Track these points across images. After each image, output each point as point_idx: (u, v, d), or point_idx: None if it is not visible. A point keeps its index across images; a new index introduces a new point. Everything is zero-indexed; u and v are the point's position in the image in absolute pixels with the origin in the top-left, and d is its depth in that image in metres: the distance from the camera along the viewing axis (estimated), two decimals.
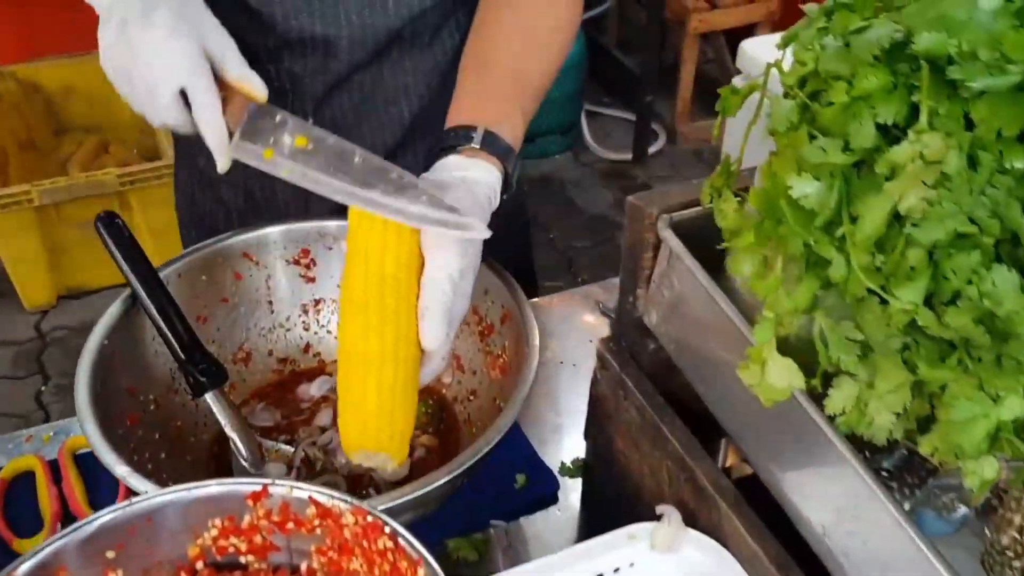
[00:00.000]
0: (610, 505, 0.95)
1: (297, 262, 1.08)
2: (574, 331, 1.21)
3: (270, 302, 1.08)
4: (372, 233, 0.81)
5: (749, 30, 3.46)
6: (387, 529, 0.60)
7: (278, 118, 0.86)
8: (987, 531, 0.72)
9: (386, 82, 1.12)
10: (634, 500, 0.89)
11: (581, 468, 1.03)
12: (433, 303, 0.79)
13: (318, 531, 0.63)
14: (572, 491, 1.02)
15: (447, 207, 0.81)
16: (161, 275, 0.96)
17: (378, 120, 1.14)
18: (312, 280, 1.09)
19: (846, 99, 0.54)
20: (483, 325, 1.03)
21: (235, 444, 0.94)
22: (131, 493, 0.71)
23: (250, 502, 0.63)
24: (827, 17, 0.61)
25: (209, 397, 0.92)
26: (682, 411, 0.84)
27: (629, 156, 3.62)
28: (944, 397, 0.55)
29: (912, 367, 0.56)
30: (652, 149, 3.64)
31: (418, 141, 1.17)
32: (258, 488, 0.62)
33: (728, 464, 0.89)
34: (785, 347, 0.62)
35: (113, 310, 0.95)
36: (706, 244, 0.76)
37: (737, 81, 2.05)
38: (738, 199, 0.73)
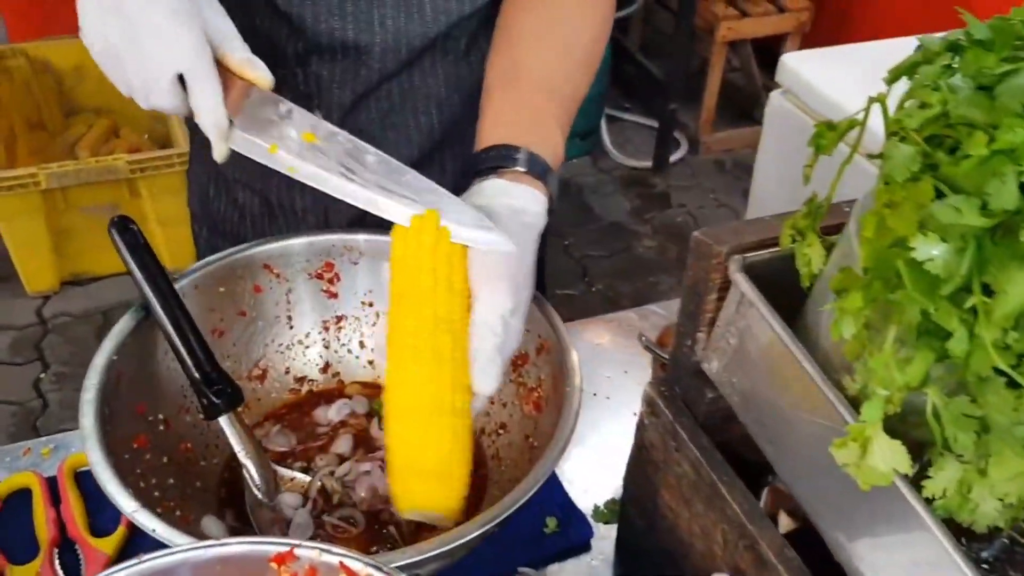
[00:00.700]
0: (650, 558, 0.88)
1: (320, 276, 1.01)
2: (608, 361, 1.14)
3: (289, 317, 1.02)
4: (421, 265, 0.74)
5: (778, 40, 3.39)
6: None
7: (282, 108, 0.80)
8: None
9: (416, 91, 1.05)
10: (679, 559, 0.82)
11: (616, 512, 0.96)
12: (486, 346, 0.74)
13: None
14: (605, 538, 0.95)
15: (475, 216, 0.74)
16: (177, 286, 0.89)
17: (405, 131, 1.07)
18: (335, 296, 1.02)
19: (985, 152, 0.47)
20: (517, 354, 0.96)
21: (248, 472, 0.87)
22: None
23: (274, 564, 0.56)
24: (953, 53, 0.53)
25: (223, 420, 0.86)
26: (732, 462, 0.77)
27: (649, 163, 3.55)
28: None
29: None
30: (673, 157, 3.57)
31: (445, 153, 1.11)
32: (284, 550, 0.55)
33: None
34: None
35: (124, 323, 0.88)
36: (780, 288, 0.69)
37: (775, 96, 1.98)
38: (821, 239, 0.67)
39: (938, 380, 0.53)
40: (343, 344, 1.04)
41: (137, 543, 0.88)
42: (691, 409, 0.80)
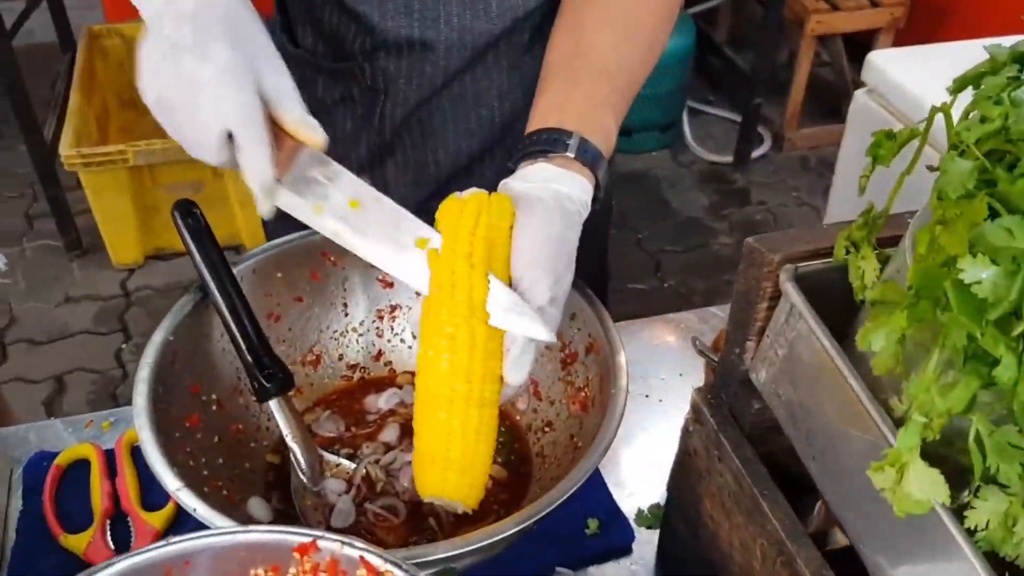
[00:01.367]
0: (690, 567, 0.87)
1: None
2: (662, 362, 1.12)
3: (345, 304, 1.03)
4: (458, 250, 0.73)
5: (870, 36, 3.28)
6: None
7: (331, 169, 0.79)
8: None
9: (479, 85, 1.05)
10: (719, 570, 0.81)
11: (659, 517, 0.94)
12: (521, 338, 0.72)
13: None
14: (647, 542, 0.93)
15: (512, 300, 0.73)
16: (235, 270, 0.90)
17: (466, 125, 1.07)
18: (390, 285, 1.03)
19: None
20: (566, 352, 0.95)
21: (295, 456, 0.88)
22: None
23: (296, 554, 0.56)
24: (1020, 65, 0.50)
25: (273, 404, 0.87)
26: (777, 473, 0.75)
27: (730, 159, 3.48)
28: None
29: None
30: (755, 153, 3.49)
31: (506, 146, 1.10)
32: (307, 540, 0.56)
33: (815, 529, 0.80)
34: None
35: (182, 304, 0.90)
36: (833, 300, 0.67)
37: (859, 96, 1.92)
38: (876, 252, 0.64)
39: (984, 407, 0.51)
40: (396, 333, 1.05)
41: (185, 519, 0.91)
42: (737, 419, 0.78)
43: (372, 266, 1.01)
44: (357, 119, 1.10)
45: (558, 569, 0.89)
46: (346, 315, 1.03)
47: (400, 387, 1.02)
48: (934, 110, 0.57)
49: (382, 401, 1.00)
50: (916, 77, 1.80)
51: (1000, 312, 0.45)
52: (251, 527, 0.57)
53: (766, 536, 0.72)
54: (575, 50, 0.90)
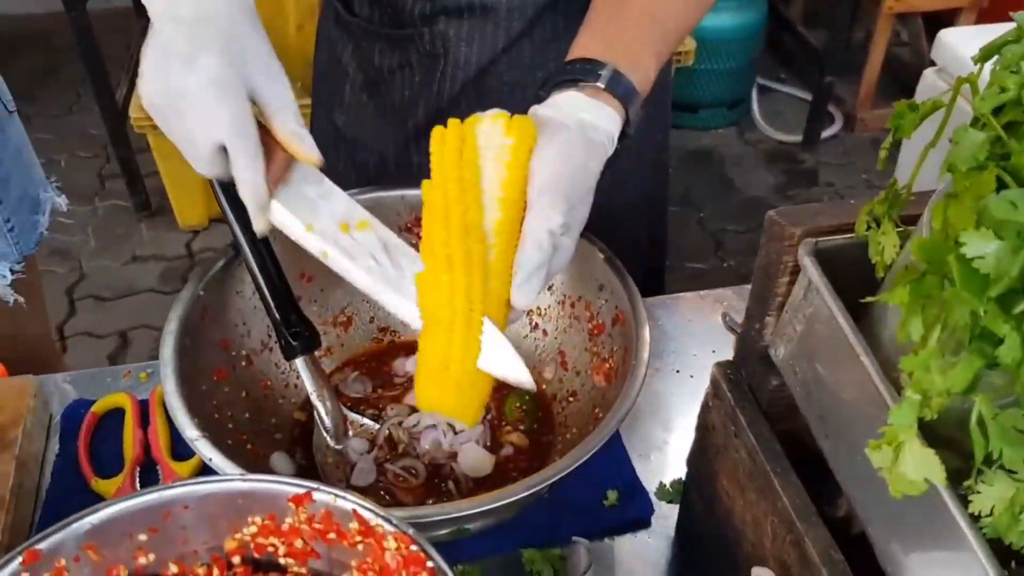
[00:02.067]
0: (706, 543, 0.86)
1: (410, 229, 1.02)
2: (697, 339, 1.11)
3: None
4: (447, 173, 0.72)
5: (951, 16, 3.16)
6: (430, 564, 0.53)
7: (324, 187, 0.79)
8: None
9: (537, 47, 1.04)
10: (732, 546, 0.79)
11: (680, 492, 0.93)
12: (529, 259, 0.71)
13: (360, 547, 0.57)
14: (667, 516, 0.93)
15: (501, 346, 0.73)
16: None
17: (523, 89, 1.06)
18: None
19: None
20: (593, 323, 0.95)
21: (319, 414, 0.90)
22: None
23: (292, 504, 0.57)
24: None
25: (299, 362, 0.89)
26: (805, 455, 0.73)
27: (799, 138, 3.39)
28: None
29: None
30: (826, 133, 3.40)
31: None
32: (301, 491, 0.57)
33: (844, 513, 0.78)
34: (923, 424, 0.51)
35: (214, 262, 0.92)
36: (856, 278, 0.65)
37: (929, 75, 1.85)
38: (899, 230, 0.62)
39: (991, 388, 0.49)
40: None
41: (211, 470, 0.93)
42: (755, 394, 0.76)
43: (406, 229, 1.02)
44: (415, 86, 1.10)
45: (574, 539, 0.88)
46: None
47: None
48: (959, 81, 0.55)
49: (409, 364, 1.01)
50: (983, 78, 1.72)
51: (1001, 289, 0.43)
52: (248, 475, 0.58)
53: (776, 514, 0.71)
54: None
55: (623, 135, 0.81)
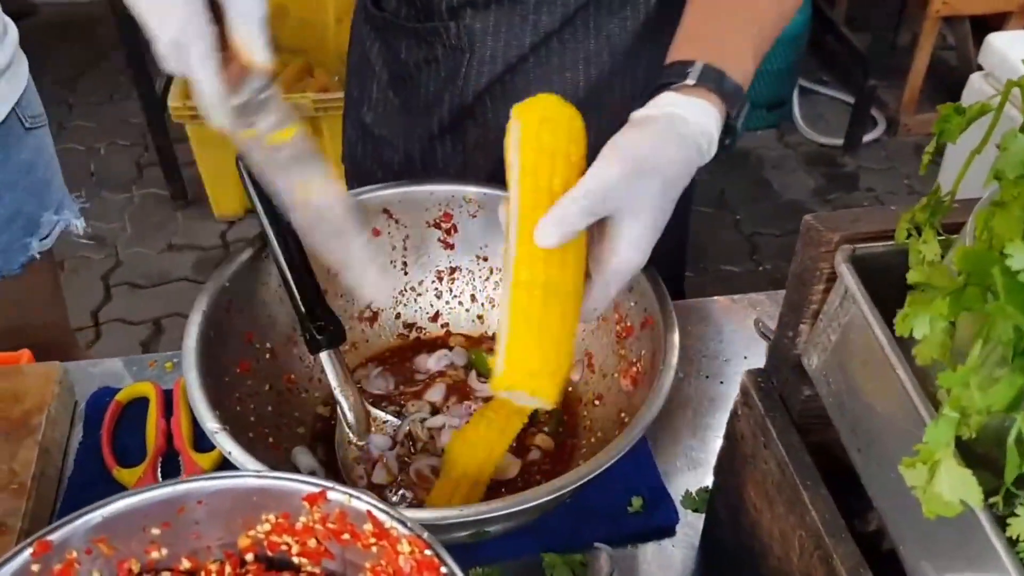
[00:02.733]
0: (731, 555, 0.84)
1: (438, 225, 1.01)
2: (729, 344, 1.08)
3: (405, 263, 1.03)
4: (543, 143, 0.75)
5: (999, 20, 3.08)
6: (443, 570, 0.52)
7: (268, 93, 0.77)
8: None
9: (567, 47, 1.02)
10: (757, 560, 0.77)
11: (706, 501, 0.91)
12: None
13: (374, 549, 0.56)
14: (693, 525, 0.91)
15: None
16: None
17: (550, 88, 1.04)
18: (451, 247, 1.02)
19: None
20: (622, 326, 0.93)
21: (342, 410, 0.89)
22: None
23: (306, 503, 0.56)
24: None
25: (323, 356, 0.88)
26: (836, 467, 0.71)
27: (840, 141, 3.34)
28: None
29: None
30: (868, 137, 3.34)
31: (589, 115, 1.07)
32: (316, 490, 0.56)
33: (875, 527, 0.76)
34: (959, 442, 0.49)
35: (242, 253, 0.92)
36: (894, 287, 0.63)
37: (975, 79, 1.81)
38: (941, 238, 0.60)
39: None
40: (455, 296, 1.04)
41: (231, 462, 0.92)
42: (786, 404, 0.74)
43: (435, 225, 1.01)
44: (440, 81, 1.09)
45: (596, 544, 0.87)
46: (405, 274, 1.03)
47: (451, 348, 1.02)
48: (1009, 84, 0.53)
49: (432, 362, 1.00)
50: None
51: None
52: (263, 472, 0.57)
53: (805, 528, 0.68)
54: None
55: (729, 132, 0.79)
